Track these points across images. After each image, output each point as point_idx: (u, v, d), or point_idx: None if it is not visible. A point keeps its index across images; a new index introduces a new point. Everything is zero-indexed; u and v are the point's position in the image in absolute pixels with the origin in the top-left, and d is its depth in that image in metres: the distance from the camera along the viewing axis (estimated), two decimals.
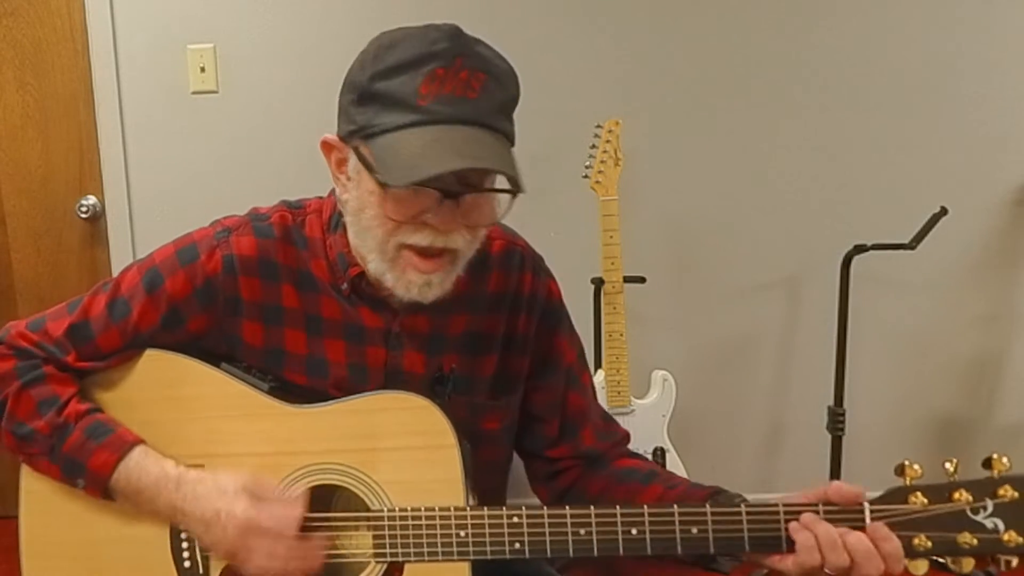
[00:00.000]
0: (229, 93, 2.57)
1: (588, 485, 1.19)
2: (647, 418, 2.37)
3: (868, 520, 0.93)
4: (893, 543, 0.92)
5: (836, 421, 2.48)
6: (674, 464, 2.35)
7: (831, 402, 2.50)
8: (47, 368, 1.11)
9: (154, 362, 1.13)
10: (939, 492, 0.93)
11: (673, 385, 2.41)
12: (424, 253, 1.00)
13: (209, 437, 1.10)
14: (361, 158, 0.98)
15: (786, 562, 0.95)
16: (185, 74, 2.55)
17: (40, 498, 1.14)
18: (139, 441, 1.09)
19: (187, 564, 1.10)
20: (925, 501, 0.92)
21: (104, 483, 1.07)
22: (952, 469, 0.93)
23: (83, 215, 2.63)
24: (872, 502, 0.94)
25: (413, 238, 0.99)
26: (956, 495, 0.92)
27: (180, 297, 1.10)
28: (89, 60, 2.55)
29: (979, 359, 2.73)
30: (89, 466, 1.07)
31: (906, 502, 0.93)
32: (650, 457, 2.34)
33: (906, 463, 0.94)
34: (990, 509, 0.91)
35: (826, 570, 0.93)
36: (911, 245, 2.31)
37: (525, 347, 1.17)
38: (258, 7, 2.53)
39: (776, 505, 0.96)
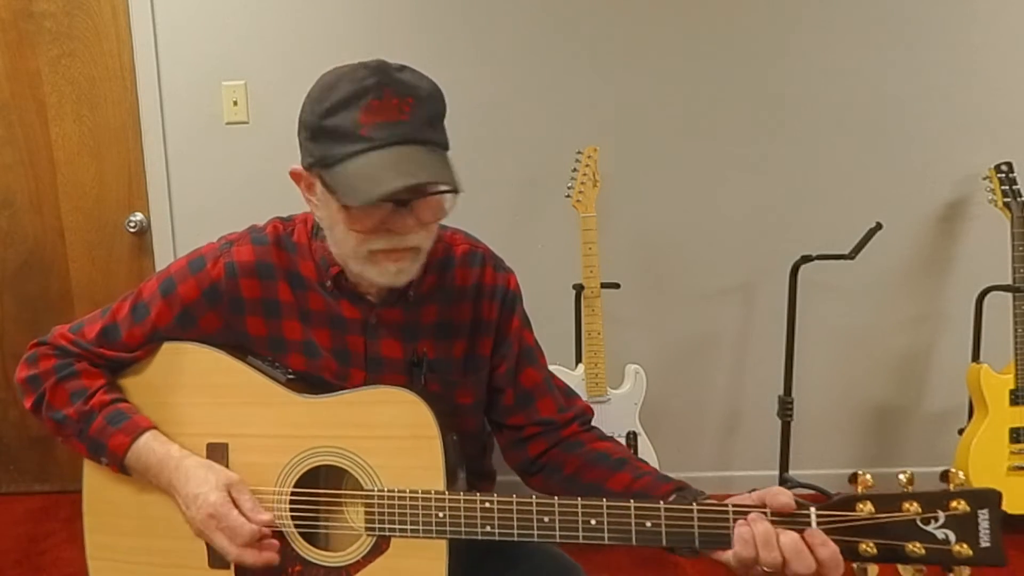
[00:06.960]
0: (258, 124, 2.69)
1: (563, 463, 1.22)
2: (621, 406, 2.49)
3: (814, 524, 0.93)
4: (829, 548, 0.91)
5: (785, 408, 2.63)
6: (644, 446, 2.47)
7: (781, 392, 2.64)
8: (79, 365, 1.21)
9: (175, 354, 1.21)
10: (888, 502, 0.91)
11: (644, 377, 2.52)
12: (391, 251, 1.08)
13: (234, 420, 1.18)
14: (325, 185, 1.05)
15: (727, 554, 0.96)
16: (220, 107, 2.68)
17: (96, 468, 1.23)
18: (151, 427, 1.18)
19: None
20: (872, 509, 0.91)
21: (120, 460, 1.17)
22: (906, 480, 0.91)
23: (131, 230, 2.76)
24: (819, 508, 0.93)
25: (378, 244, 1.07)
26: (906, 505, 0.90)
27: (190, 299, 1.19)
28: (136, 95, 2.68)
29: (909, 354, 2.83)
30: (108, 446, 1.17)
31: (853, 510, 0.92)
32: (624, 441, 2.46)
33: (859, 473, 0.93)
34: (941, 520, 0.89)
35: (763, 567, 0.93)
36: (850, 256, 2.46)
37: (489, 330, 1.24)
38: (283, 49, 2.64)
39: (726, 505, 0.96)
